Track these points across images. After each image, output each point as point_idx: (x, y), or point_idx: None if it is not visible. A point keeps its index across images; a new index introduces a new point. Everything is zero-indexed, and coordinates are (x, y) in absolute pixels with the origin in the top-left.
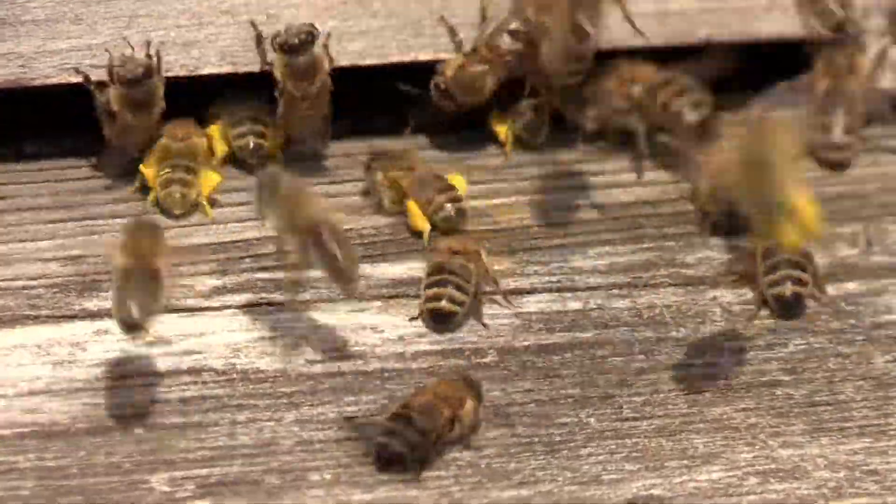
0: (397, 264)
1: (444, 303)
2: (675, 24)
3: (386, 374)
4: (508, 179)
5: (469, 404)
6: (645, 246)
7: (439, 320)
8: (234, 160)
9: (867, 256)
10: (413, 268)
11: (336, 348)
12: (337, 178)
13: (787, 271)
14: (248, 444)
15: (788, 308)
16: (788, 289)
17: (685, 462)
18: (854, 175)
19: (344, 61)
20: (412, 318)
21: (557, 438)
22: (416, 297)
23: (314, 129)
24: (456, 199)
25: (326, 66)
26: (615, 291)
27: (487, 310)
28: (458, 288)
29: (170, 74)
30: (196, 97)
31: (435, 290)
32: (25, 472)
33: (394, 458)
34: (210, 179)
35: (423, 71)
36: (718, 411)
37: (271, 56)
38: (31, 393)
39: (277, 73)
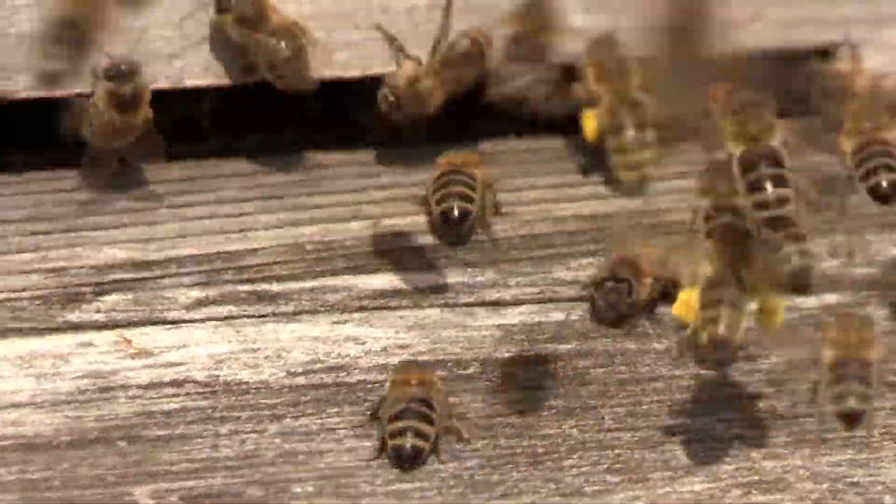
0: (380, 275)
1: (454, 206)
2: (656, 39)
3: (368, 386)
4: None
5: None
6: None
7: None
8: None
9: (849, 268)
10: (396, 279)
11: (318, 360)
12: (322, 188)
13: None
14: (231, 456)
15: None
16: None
17: (668, 473)
18: (833, 186)
19: (328, 73)
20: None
21: (540, 450)
22: (399, 308)
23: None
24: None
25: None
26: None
27: (470, 321)
28: (464, 197)
29: (153, 87)
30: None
31: (442, 192)
32: (8, 484)
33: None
34: None
35: None
36: (701, 423)
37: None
38: (14, 405)
39: None
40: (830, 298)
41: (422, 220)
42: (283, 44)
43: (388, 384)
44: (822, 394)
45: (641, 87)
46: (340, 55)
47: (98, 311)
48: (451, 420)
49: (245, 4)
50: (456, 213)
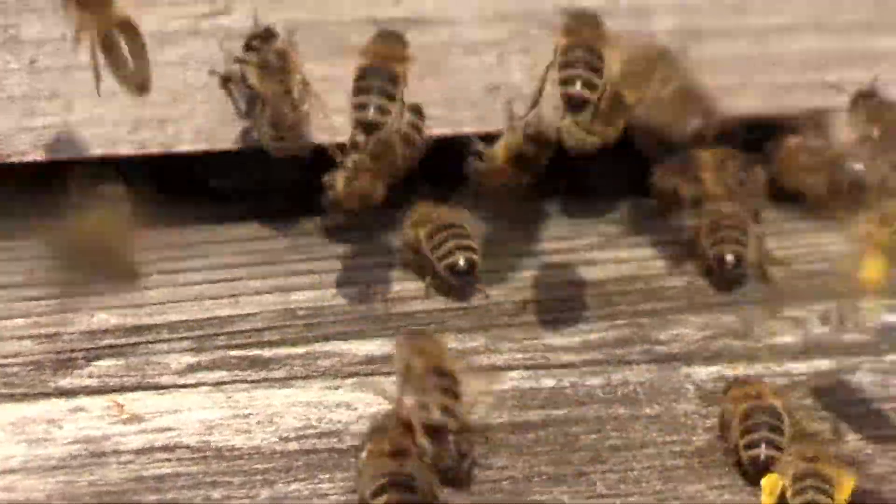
0: (371, 341)
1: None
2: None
3: None
4: (481, 257)
5: None
6: (618, 323)
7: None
8: None
9: (840, 334)
10: (387, 345)
11: (310, 425)
12: (313, 254)
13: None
14: None
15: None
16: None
17: None
18: (826, 252)
19: (323, 137)
20: None
21: None
22: (391, 373)
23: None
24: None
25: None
26: (588, 369)
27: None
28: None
29: (145, 152)
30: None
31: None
32: None
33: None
34: None
35: None
36: (692, 489)
37: None
38: (7, 471)
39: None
40: (822, 364)
41: (412, 285)
42: (289, 108)
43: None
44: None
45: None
46: (334, 120)
47: (90, 377)
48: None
49: (270, 54)
50: (464, 264)
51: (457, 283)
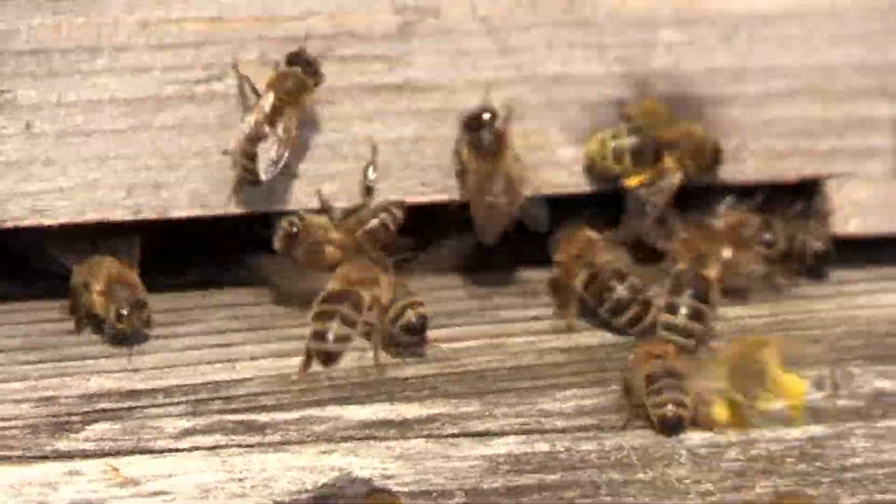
0: (366, 406)
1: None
2: None
3: None
4: (475, 323)
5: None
6: (611, 388)
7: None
8: None
9: (833, 400)
10: (381, 410)
11: (305, 490)
12: (307, 319)
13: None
14: None
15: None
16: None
17: None
18: (821, 318)
19: (314, 204)
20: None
21: None
22: (385, 438)
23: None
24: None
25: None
26: (582, 434)
27: (454, 452)
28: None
29: (139, 217)
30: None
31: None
32: None
33: None
34: None
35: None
36: None
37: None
38: None
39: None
40: (816, 430)
41: (406, 350)
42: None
43: None
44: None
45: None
46: (327, 186)
47: (86, 440)
48: None
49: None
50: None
51: (411, 341)
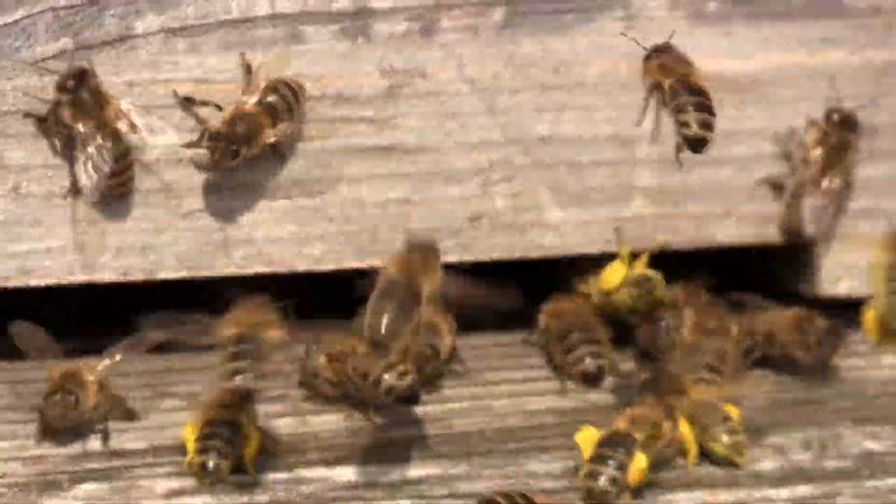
0: (354, 467)
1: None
2: (631, 230)
3: None
4: (462, 385)
5: None
6: None
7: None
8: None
9: (821, 461)
10: (369, 471)
11: None
12: (294, 380)
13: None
14: None
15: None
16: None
17: None
18: (810, 380)
19: (302, 266)
20: None
21: None
22: (373, 500)
23: None
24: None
25: None
26: (570, 495)
27: None
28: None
29: (127, 279)
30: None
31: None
32: None
33: None
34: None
35: None
36: None
37: None
38: None
39: None
40: (804, 490)
41: (394, 412)
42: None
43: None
44: None
45: None
46: (314, 248)
47: (75, 499)
48: None
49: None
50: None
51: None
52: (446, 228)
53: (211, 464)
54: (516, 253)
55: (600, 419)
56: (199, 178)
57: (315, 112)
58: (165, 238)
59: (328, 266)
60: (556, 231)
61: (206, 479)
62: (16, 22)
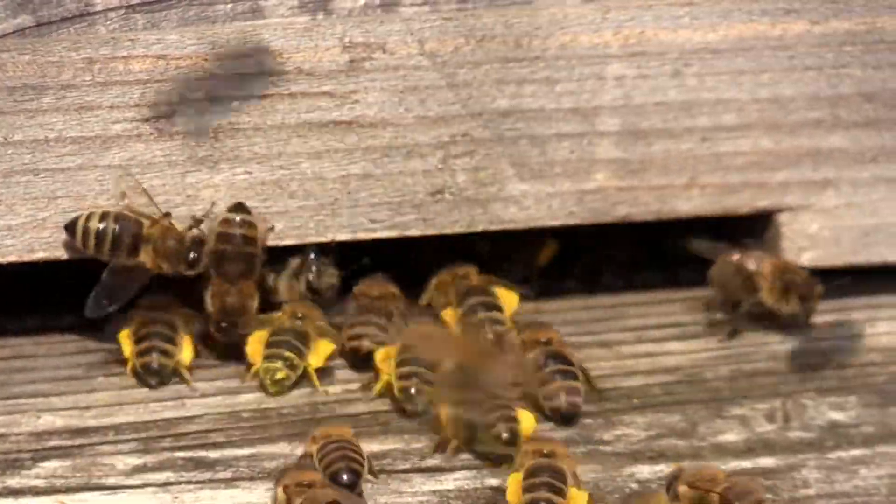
0: None
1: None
2: (593, 202)
3: None
4: None
5: None
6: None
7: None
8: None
9: (785, 432)
10: None
11: None
12: None
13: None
14: None
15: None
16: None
17: None
18: (771, 351)
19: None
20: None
21: None
22: None
23: None
24: None
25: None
26: None
27: (406, 487)
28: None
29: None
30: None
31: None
32: None
33: None
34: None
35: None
36: None
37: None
38: None
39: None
40: (767, 461)
41: (356, 387)
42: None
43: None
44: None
45: None
46: (276, 223)
47: (37, 477)
48: None
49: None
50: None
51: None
52: (407, 202)
53: (155, 364)
54: (478, 227)
55: None
56: (157, 155)
57: (275, 86)
58: None
59: (289, 241)
60: (518, 205)
61: (150, 379)
62: None
